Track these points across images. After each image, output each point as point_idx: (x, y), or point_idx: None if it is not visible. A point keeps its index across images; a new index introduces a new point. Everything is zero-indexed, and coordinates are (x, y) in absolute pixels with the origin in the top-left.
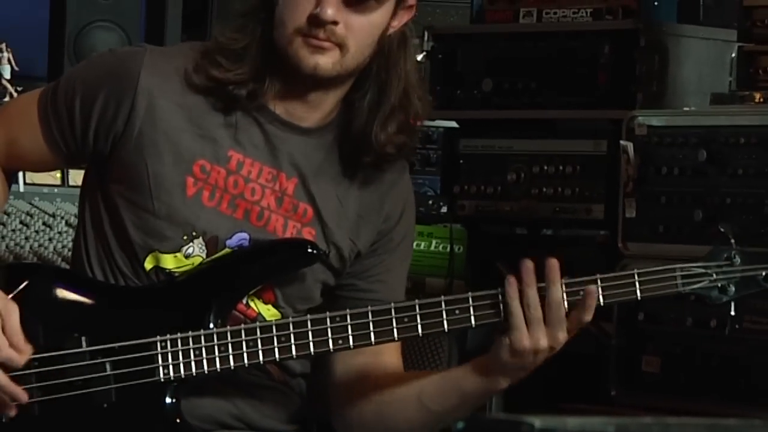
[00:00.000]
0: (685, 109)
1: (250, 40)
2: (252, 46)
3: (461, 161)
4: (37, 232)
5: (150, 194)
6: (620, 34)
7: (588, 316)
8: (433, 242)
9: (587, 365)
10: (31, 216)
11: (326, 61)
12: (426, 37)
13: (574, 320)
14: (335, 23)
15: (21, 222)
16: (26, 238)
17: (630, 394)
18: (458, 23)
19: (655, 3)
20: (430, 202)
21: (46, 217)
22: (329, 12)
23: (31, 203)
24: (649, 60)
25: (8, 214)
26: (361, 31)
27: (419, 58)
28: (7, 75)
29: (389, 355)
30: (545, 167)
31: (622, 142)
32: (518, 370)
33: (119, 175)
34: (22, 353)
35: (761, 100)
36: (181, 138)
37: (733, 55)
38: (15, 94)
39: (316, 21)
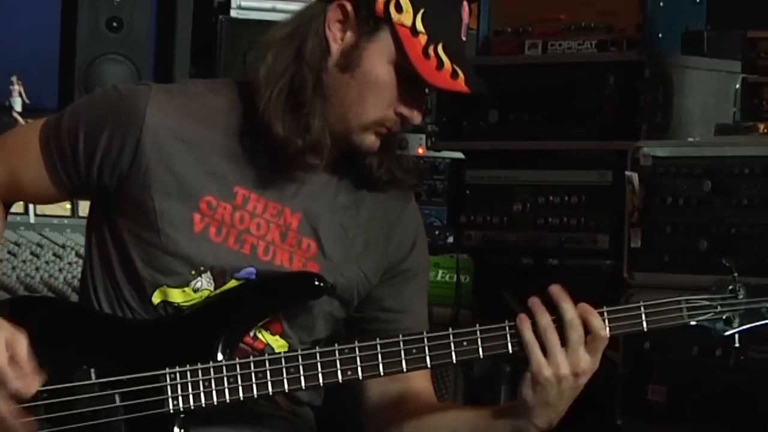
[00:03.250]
0: (690, 139)
1: (311, 104)
2: (313, 113)
3: (467, 192)
4: (47, 262)
5: (157, 230)
6: (625, 65)
7: (598, 322)
8: (440, 272)
9: (593, 394)
10: (42, 247)
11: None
12: None
13: (593, 334)
14: None
15: (32, 253)
16: (36, 269)
17: (636, 423)
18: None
19: (660, 35)
20: (437, 232)
21: (56, 248)
22: (418, 120)
23: (41, 234)
24: (653, 91)
25: (19, 245)
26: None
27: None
28: (18, 107)
29: (422, 383)
30: (551, 197)
31: (627, 172)
32: (545, 409)
33: (126, 211)
34: (31, 384)
35: (765, 130)
36: (187, 175)
37: (738, 86)
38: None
39: (401, 121)
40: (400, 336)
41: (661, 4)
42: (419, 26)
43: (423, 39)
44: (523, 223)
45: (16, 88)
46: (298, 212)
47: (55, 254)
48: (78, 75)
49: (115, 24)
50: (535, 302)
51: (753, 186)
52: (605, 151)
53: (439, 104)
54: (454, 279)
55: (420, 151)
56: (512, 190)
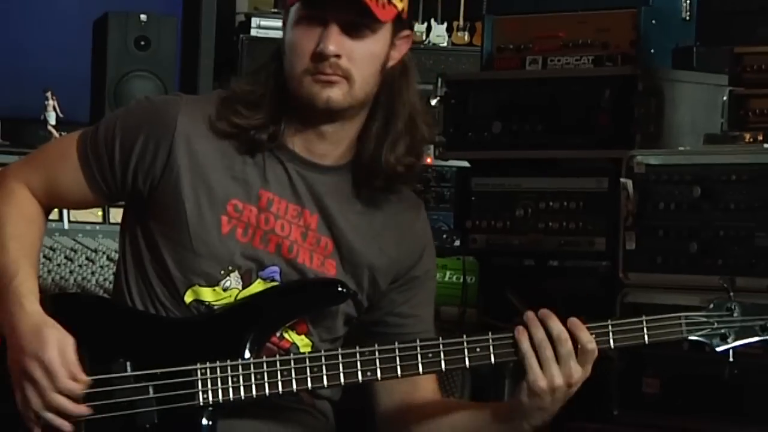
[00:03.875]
0: (681, 148)
1: (264, 89)
2: (266, 94)
3: (473, 198)
4: (80, 266)
5: (188, 233)
6: (620, 79)
7: (586, 336)
8: (447, 273)
9: (590, 386)
10: (75, 251)
11: (337, 93)
12: (439, 84)
13: (582, 347)
14: (338, 56)
15: (66, 257)
16: (70, 272)
17: (631, 414)
18: (469, 70)
19: (652, 51)
20: (444, 236)
21: (89, 252)
22: (331, 47)
23: (75, 239)
24: (646, 103)
25: (53, 250)
26: (362, 61)
27: (433, 103)
28: (53, 121)
29: (427, 383)
30: (551, 203)
31: (622, 179)
32: (539, 412)
33: (158, 214)
34: (79, 383)
35: (751, 140)
36: (215, 180)
37: (725, 98)
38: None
39: (320, 57)
40: (418, 341)
41: (654, 22)
42: None
43: None
44: (526, 227)
45: (51, 102)
46: (315, 213)
47: (87, 258)
48: (108, 90)
49: (143, 43)
50: (530, 317)
51: (740, 192)
52: (602, 159)
53: (446, 117)
54: (461, 280)
55: (428, 160)
56: (515, 196)
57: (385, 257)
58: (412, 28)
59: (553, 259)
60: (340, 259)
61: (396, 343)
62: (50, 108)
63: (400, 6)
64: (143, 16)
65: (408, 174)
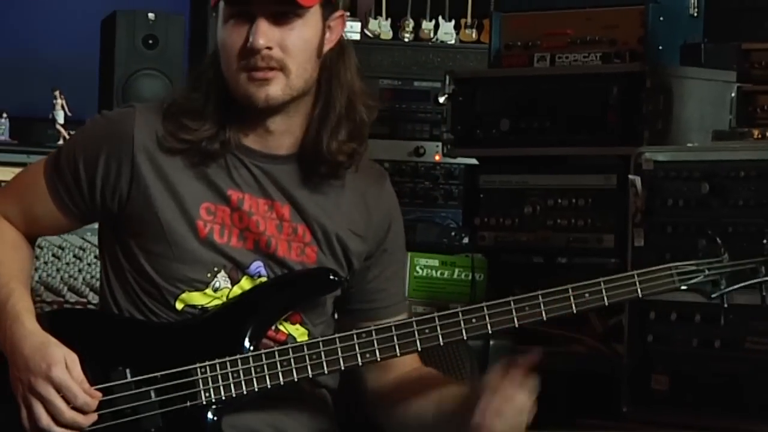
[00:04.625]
0: (689, 145)
1: (206, 96)
2: (210, 101)
3: (481, 195)
4: (67, 264)
5: (167, 242)
6: (628, 76)
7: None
8: (456, 271)
9: (600, 383)
10: (63, 249)
11: (275, 90)
12: (447, 81)
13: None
14: (269, 48)
15: (53, 255)
16: (57, 270)
17: (640, 411)
18: (477, 67)
19: (660, 47)
20: (453, 233)
21: (76, 249)
22: (260, 41)
23: (62, 237)
24: (654, 100)
25: (41, 248)
26: (295, 49)
27: (441, 100)
28: (61, 120)
29: (411, 364)
30: (559, 200)
31: (630, 176)
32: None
33: (134, 230)
34: (93, 398)
35: (759, 136)
36: (184, 186)
37: (733, 94)
38: (68, 138)
39: (251, 52)
40: (413, 319)
41: (661, 18)
42: None
43: None
44: (534, 225)
45: (59, 101)
46: (286, 204)
47: (75, 256)
48: (116, 89)
49: (150, 41)
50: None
51: (748, 188)
52: (610, 156)
53: (454, 114)
54: (470, 277)
55: (437, 158)
56: (523, 193)
57: (357, 236)
58: (346, 9)
59: (561, 257)
60: (318, 245)
61: (392, 322)
62: (58, 107)
63: None
64: (151, 15)
65: (351, 160)
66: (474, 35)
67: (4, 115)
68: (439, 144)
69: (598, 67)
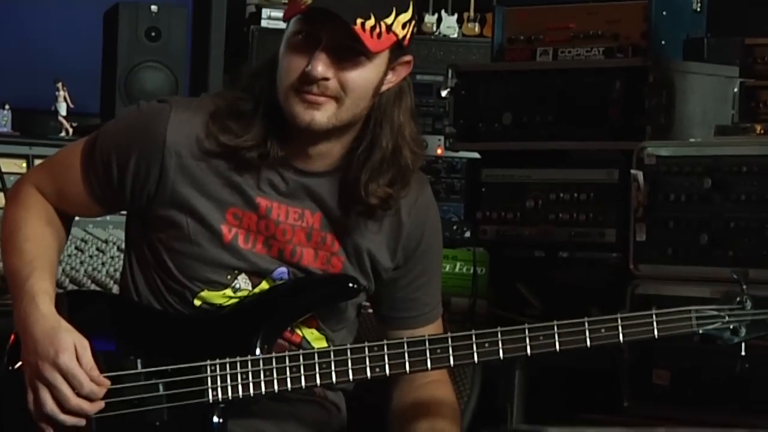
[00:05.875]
0: (691, 140)
1: (257, 99)
2: (259, 105)
3: (483, 189)
4: (91, 257)
5: (191, 242)
6: (630, 71)
7: None
8: (458, 264)
9: (602, 379)
10: (86, 242)
11: (321, 116)
12: (450, 75)
13: None
14: (326, 79)
15: (76, 248)
16: (81, 263)
17: (642, 406)
18: (480, 61)
19: (663, 42)
20: (455, 227)
21: (99, 242)
22: (319, 69)
23: (85, 230)
24: (657, 95)
25: None
26: (353, 85)
27: (444, 93)
28: (64, 112)
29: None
30: (561, 194)
31: (632, 171)
32: None
33: (160, 227)
34: (101, 386)
35: (762, 131)
36: (212, 190)
37: (736, 89)
38: (70, 130)
39: (307, 78)
40: (426, 337)
41: (664, 13)
42: None
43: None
44: (536, 219)
45: (62, 93)
46: (316, 212)
47: (98, 249)
48: (119, 81)
49: (153, 34)
50: None
51: (750, 183)
52: (612, 150)
53: (456, 108)
54: (471, 271)
55: (439, 151)
56: (525, 187)
57: (387, 248)
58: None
59: (563, 251)
60: (346, 254)
61: (405, 338)
62: (61, 99)
63: (400, 33)
64: (154, 7)
65: (386, 205)
66: (477, 29)
67: (7, 106)
68: (441, 137)
69: (601, 61)
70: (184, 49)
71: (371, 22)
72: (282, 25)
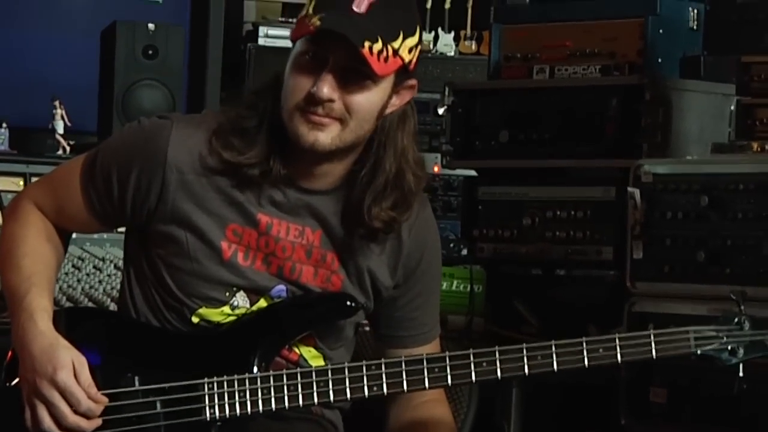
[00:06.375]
0: (688, 158)
1: (261, 117)
2: (263, 123)
3: (480, 207)
4: (87, 275)
5: (190, 259)
6: (627, 88)
7: None
8: (455, 282)
9: (598, 396)
10: (83, 260)
11: (325, 137)
12: (447, 92)
13: None
14: (332, 101)
15: (73, 266)
16: (78, 281)
17: (639, 423)
18: (476, 79)
19: (659, 60)
20: (452, 245)
21: (96, 260)
22: (325, 91)
23: (82, 248)
24: (654, 112)
25: None
26: (358, 108)
27: (441, 111)
28: (61, 130)
29: (440, 411)
30: (558, 212)
31: (629, 188)
32: None
33: (159, 243)
34: (98, 403)
35: (759, 149)
36: (212, 206)
37: (732, 107)
38: (68, 148)
39: (313, 99)
40: (424, 356)
41: (661, 31)
42: (310, 10)
43: (306, 18)
44: (533, 236)
45: (59, 111)
46: (317, 230)
47: (95, 267)
48: (116, 99)
49: (150, 52)
50: None
51: (747, 201)
52: (609, 168)
53: (453, 126)
54: (468, 289)
55: (435, 169)
56: (522, 205)
57: (387, 267)
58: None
59: (560, 268)
60: (346, 273)
61: (402, 357)
62: (58, 117)
63: (407, 58)
64: (151, 26)
65: (389, 228)
66: (473, 47)
67: (4, 125)
68: (438, 155)
69: (598, 79)
70: (182, 67)
71: (378, 45)
72: (279, 43)
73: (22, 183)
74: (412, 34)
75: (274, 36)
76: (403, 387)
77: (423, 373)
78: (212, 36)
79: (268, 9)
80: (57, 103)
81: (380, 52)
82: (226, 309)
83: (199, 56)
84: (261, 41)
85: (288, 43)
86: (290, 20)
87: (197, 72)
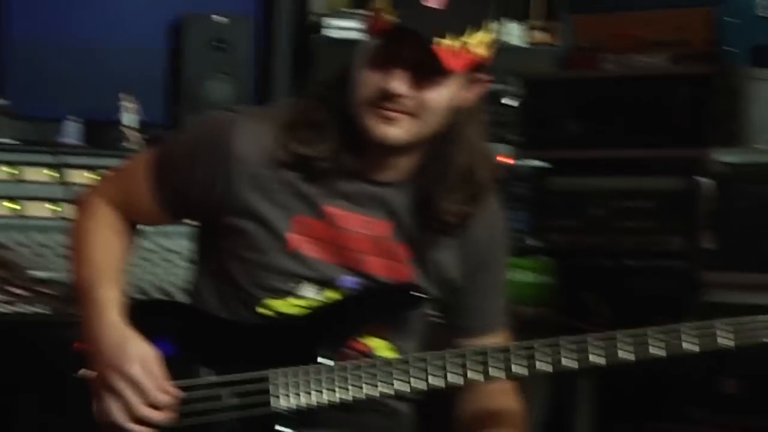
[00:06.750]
0: (759, 146)
1: (329, 110)
2: (332, 116)
3: (550, 198)
4: (157, 266)
5: (256, 250)
6: (697, 78)
7: None
8: (524, 273)
9: (668, 387)
10: (153, 252)
11: (396, 132)
12: (516, 83)
13: None
14: (404, 96)
15: (144, 258)
16: (147, 272)
17: (709, 414)
18: (546, 70)
19: (729, 49)
20: (521, 236)
21: (166, 253)
22: (398, 86)
23: (152, 240)
24: (724, 102)
25: None
26: (431, 104)
27: (510, 102)
28: (131, 123)
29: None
30: (628, 203)
31: (699, 178)
32: None
33: (226, 235)
34: (168, 395)
35: None
36: (279, 198)
37: None
38: (139, 141)
39: (385, 94)
40: (510, 343)
41: (730, 20)
42: (383, 4)
43: (380, 12)
44: (602, 227)
45: (128, 104)
46: (386, 221)
47: (164, 259)
48: (185, 92)
49: (219, 44)
50: None
51: None
52: (679, 158)
53: (522, 116)
54: (538, 280)
55: (505, 160)
56: (592, 195)
57: (455, 257)
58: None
59: (630, 259)
60: (415, 264)
61: (488, 345)
62: (127, 110)
63: (480, 53)
64: (220, 18)
65: (462, 222)
66: (543, 37)
67: (75, 118)
68: (508, 146)
69: (667, 68)
70: (249, 60)
71: (452, 41)
72: (347, 34)
73: (94, 176)
74: (486, 29)
75: (342, 27)
76: (481, 377)
77: (503, 363)
78: (279, 28)
79: (335, 1)
80: (126, 95)
81: (454, 48)
82: (293, 300)
83: (266, 48)
84: (329, 33)
85: (355, 35)
86: (357, 11)
87: (265, 64)
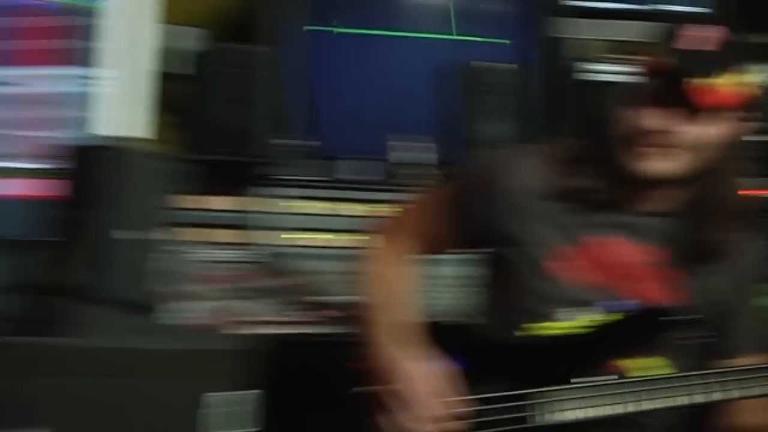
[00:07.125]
0: None
1: (590, 146)
2: (593, 151)
3: None
4: (440, 292)
5: (518, 278)
6: None
7: None
8: None
9: None
10: (435, 278)
11: (660, 166)
12: None
13: None
14: (669, 132)
15: (428, 284)
16: (433, 298)
17: None
18: None
19: None
20: None
21: (448, 279)
22: (665, 124)
23: (436, 268)
24: None
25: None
26: (695, 141)
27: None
28: (422, 161)
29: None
30: None
31: None
32: None
33: (494, 262)
34: (437, 412)
35: None
36: (538, 229)
37: None
38: (436, 178)
39: (652, 131)
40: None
41: None
42: (659, 46)
43: (655, 54)
44: None
45: (417, 145)
46: (658, 247)
47: (447, 285)
48: (475, 135)
49: (494, 90)
50: None
51: None
52: None
53: None
54: None
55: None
56: None
57: (725, 282)
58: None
59: None
60: (681, 290)
61: (754, 364)
62: (420, 150)
63: (745, 92)
64: (501, 65)
65: (720, 252)
66: None
67: (385, 159)
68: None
69: None
70: (533, 106)
71: (719, 80)
72: (601, 77)
73: (391, 211)
74: (753, 70)
75: (598, 71)
76: (746, 393)
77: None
78: (556, 75)
79: (592, 46)
80: (418, 137)
81: (721, 86)
82: (550, 323)
83: (550, 93)
84: (585, 76)
85: (609, 78)
86: (610, 56)
87: (550, 110)
